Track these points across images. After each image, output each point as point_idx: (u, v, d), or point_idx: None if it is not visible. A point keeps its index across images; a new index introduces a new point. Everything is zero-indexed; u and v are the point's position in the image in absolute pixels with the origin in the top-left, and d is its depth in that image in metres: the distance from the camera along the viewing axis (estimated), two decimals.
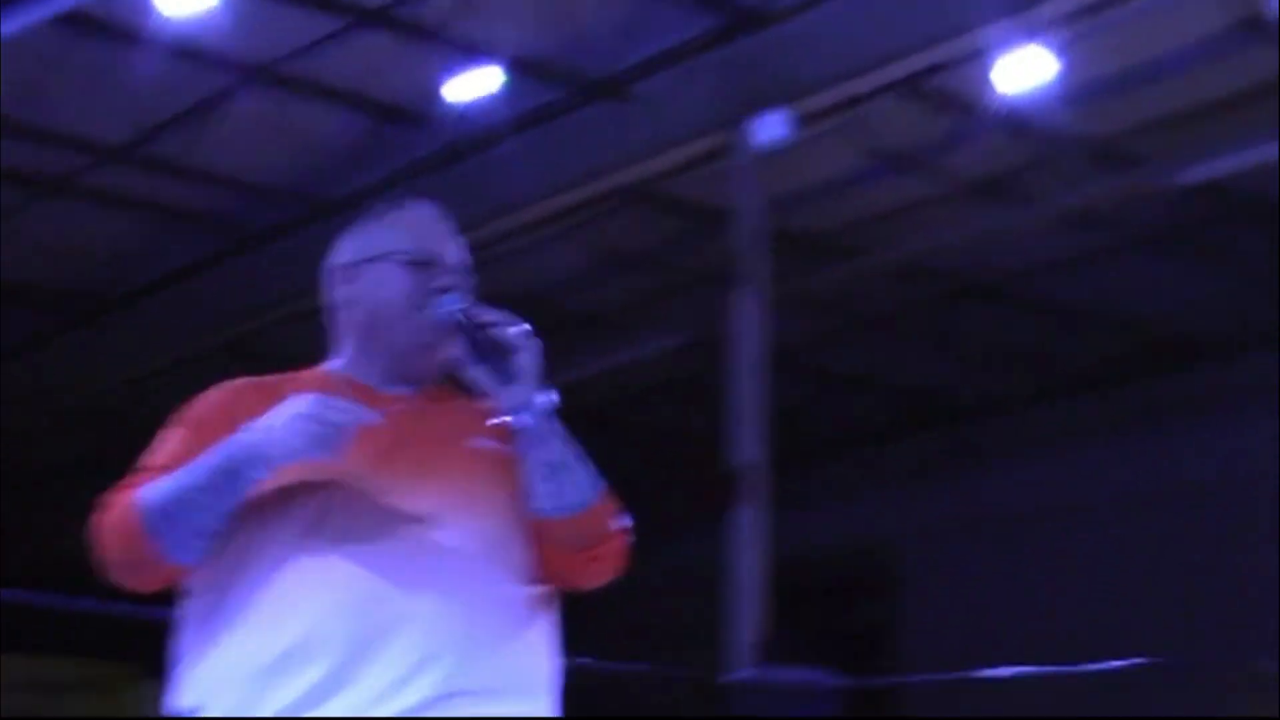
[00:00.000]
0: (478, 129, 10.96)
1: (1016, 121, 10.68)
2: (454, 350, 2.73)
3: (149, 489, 2.64)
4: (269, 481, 2.62)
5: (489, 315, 2.69)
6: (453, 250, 2.87)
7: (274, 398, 2.69)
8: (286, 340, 14.12)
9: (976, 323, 14.08)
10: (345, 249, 2.91)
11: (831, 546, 17.79)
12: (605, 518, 2.75)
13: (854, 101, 10.28)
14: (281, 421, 2.58)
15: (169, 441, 2.78)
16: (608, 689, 14.58)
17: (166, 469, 2.68)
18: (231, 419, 2.69)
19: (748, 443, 10.15)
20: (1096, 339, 14.34)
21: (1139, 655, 9.02)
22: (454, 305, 2.73)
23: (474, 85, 10.37)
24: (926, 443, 16.72)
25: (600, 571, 2.78)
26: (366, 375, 2.81)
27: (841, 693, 6.48)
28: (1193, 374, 14.50)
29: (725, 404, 10.38)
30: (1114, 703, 14.25)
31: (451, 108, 10.60)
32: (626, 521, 2.78)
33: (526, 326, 2.68)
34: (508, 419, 2.67)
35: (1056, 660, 10.03)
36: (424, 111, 10.85)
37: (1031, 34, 9.47)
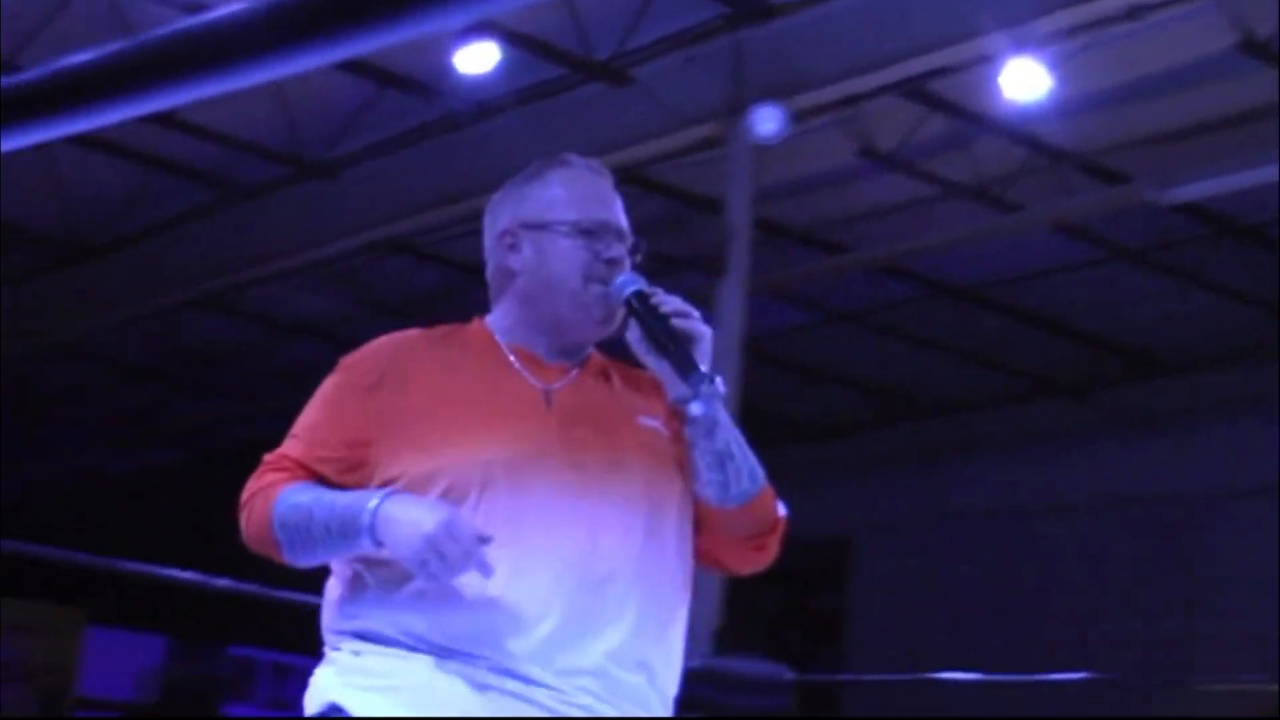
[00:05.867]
0: (477, 101, 11.02)
1: (1010, 130, 10.80)
2: (627, 333, 2.62)
3: (286, 499, 2.57)
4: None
5: (667, 302, 2.59)
6: (616, 210, 2.72)
7: (437, 352, 2.65)
8: (267, 298, 14.17)
9: (950, 324, 14.21)
10: (504, 212, 2.73)
11: (787, 537, 17.90)
12: (770, 506, 2.69)
13: (852, 100, 10.38)
14: (408, 525, 2.43)
15: (318, 404, 2.69)
16: None
17: (309, 442, 2.62)
18: (391, 373, 2.62)
19: None
20: (1064, 347, 14.49)
21: (1082, 668, 9.01)
22: (630, 288, 2.60)
23: (476, 58, 10.40)
24: (889, 439, 16.84)
25: (760, 559, 2.73)
26: (531, 343, 2.67)
27: (794, 686, 6.49)
28: (1153, 386, 14.67)
29: None
30: (1055, 712, 14.42)
31: (454, 78, 10.65)
32: (784, 509, 2.72)
33: (700, 316, 2.59)
34: (679, 406, 2.58)
35: (1000, 665, 10.14)
36: (427, 81, 10.89)
37: (1031, 46, 9.57)
